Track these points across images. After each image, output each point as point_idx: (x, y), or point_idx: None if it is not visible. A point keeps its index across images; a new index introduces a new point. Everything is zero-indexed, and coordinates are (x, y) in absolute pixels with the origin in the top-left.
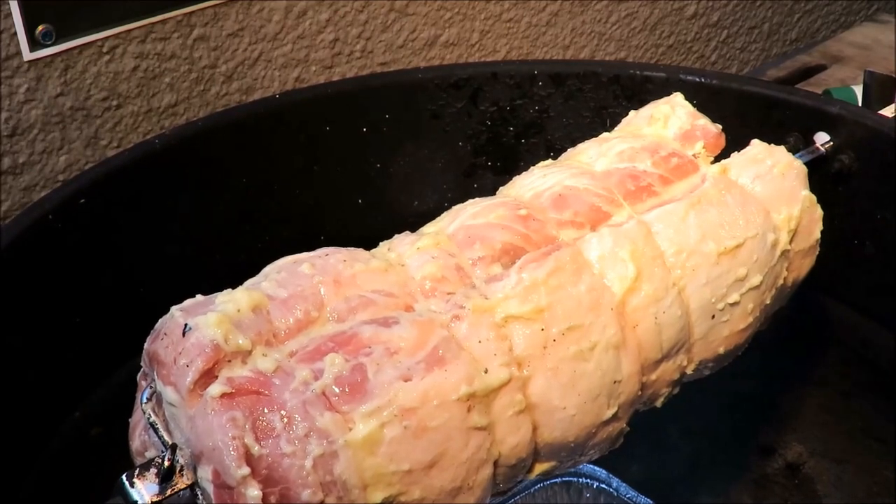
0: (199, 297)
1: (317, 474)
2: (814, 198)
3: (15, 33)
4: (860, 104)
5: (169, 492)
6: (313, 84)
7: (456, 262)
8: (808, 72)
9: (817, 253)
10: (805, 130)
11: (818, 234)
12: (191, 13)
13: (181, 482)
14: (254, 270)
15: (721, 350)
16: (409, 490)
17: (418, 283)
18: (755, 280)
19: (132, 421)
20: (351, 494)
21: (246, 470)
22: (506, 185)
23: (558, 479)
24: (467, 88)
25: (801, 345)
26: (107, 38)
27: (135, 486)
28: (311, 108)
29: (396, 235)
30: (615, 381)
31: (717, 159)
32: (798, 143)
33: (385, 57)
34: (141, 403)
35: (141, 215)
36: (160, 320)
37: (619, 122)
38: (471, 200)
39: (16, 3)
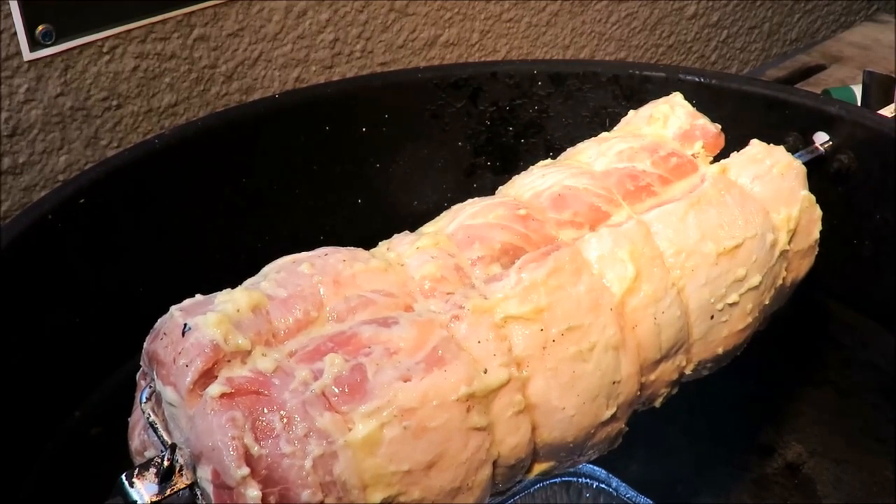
0: (198, 296)
1: (316, 474)
2: (813, 198)
3: (15, 33)
4: (859, 104)
5: (168, 491)
6: (313, 84)
7: (455, 261)
8: (808, 72)
9: (816, 253)
10: (804, 130)
11: (817, 235)
12: (191, 13)
13: (181, 482)
14: (254, 270)
15: (720, 350)
16: (409, 490)
17: (418, 282)
18: (754, 280)
19: (132, 420)
20: (350, 495)
21: (245, 470)
22: (505, 185)
23: (558, 479)
24: (467, 88)
25: (801, 345)
26: (107, 38)
27: (134, 485)
28: (311, 108)
29: (396, 235)
30: (614, 382)
31: (717, 159)
32: (797, 142)
33: (385, 57)
34: (140, 403)
35: (141, 215)
36: (160, 320)
37: (618, 121)
38: (470, 200)
39: (16, 3)
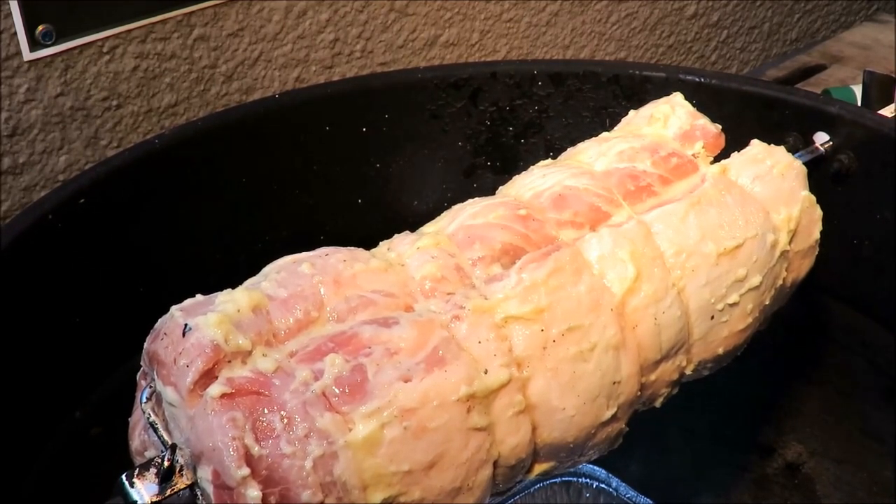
0: (198, 296)
1: (317, 475)
2: (813, 198)
3: (15, 33)
4: (859, 104)
5: (168, 492)
6: (313, 84)
7: (456, 262)
8: (808, 72)
9: (817, 253)
10: (804, 130)
11: (817, 235)
12: (191, 13)
13: (181, 482)
14: (254, 270)
15: (720, 350)
16: (409, 490)
17: (418, 283)
18: (755, 280)
19: (132, 420)
20: (351, 495)
21: (246, 470)
22: (505, 185)
23: (558, 479)
24: (467, 88)
25: (801, 345)
26: (107, 38)
27: (134, 485)
28: (311, 108)
29: (396, 235)
30: (614, 382)
31: (717, 159)
32: (797, 142)
33: (385, 57)
34: (141, 403)
35: (141, 215)
36: (160, 320)
37: (618, 121)
38: (470, 200)
39: (16, 3)
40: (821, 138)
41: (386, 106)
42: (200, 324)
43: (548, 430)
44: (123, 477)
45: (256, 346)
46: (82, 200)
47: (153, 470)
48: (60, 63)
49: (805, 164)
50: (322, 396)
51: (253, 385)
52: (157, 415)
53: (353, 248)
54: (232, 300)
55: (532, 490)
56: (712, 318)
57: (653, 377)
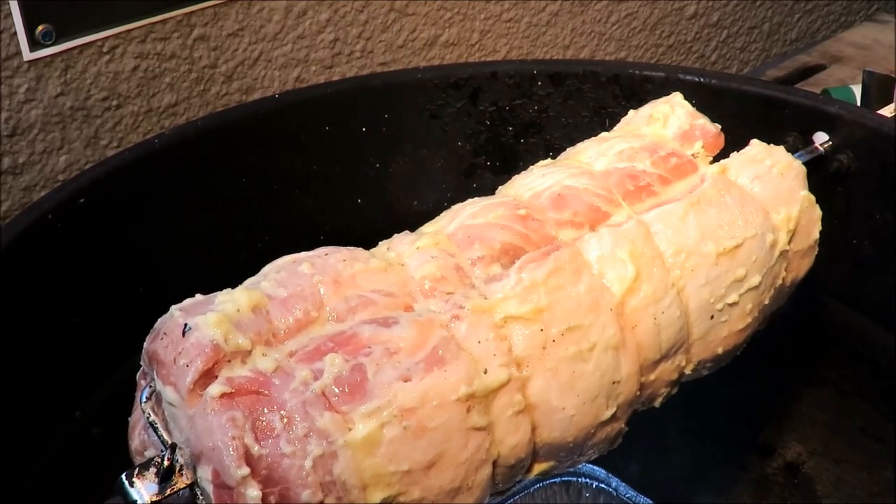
0: (198, 296)
1: (316, 474)
2: (813, 198)
3: (15, 33)
4: (859, 104)
5: (168, 491)
6: (313, 84)
7: (455, 261)
8: (808, 72)
9: (816, 253)
10: (804, 130)
11: (817, 235)
12: (191, 13)
13: (181, 482)
14: (254, 270)
15: (720, 350)
16: (409, 490)
17: (418, 282)
18: (754, 280)
19: (132, 420)
20: (350, 495)
21: (245, 470)
22: (505, 185)
23: (557, 479)
24: (467, 88)
25: (800, 345)
26: (107, 38)
27: (134, 485)
28: (311, 108)
29: (396, 235)
30: (614, 382)
31: (717, 159)
32: (797, 142)
33: (385, 57)
34: (140, 403)
35: (141, 215)
36: (160, 320)
37: (618, 121)
38: (470, 200)
39: (16, 3)
40: (820, 138)
41: (386, 106)
42: (200, 323)
43: (547, 430)
44: (123, 476)
45: (256, 345)
46: (82, 200)
47: (153, 469)
48: (60, 63)
49: (804, 163)
50: (322, 396)
51: (253, 385)
52: (156, 414)
53: (352, 247)
54: (232, 300)
55: (532, 490)
56: (712, 317)
57: (652, 377)
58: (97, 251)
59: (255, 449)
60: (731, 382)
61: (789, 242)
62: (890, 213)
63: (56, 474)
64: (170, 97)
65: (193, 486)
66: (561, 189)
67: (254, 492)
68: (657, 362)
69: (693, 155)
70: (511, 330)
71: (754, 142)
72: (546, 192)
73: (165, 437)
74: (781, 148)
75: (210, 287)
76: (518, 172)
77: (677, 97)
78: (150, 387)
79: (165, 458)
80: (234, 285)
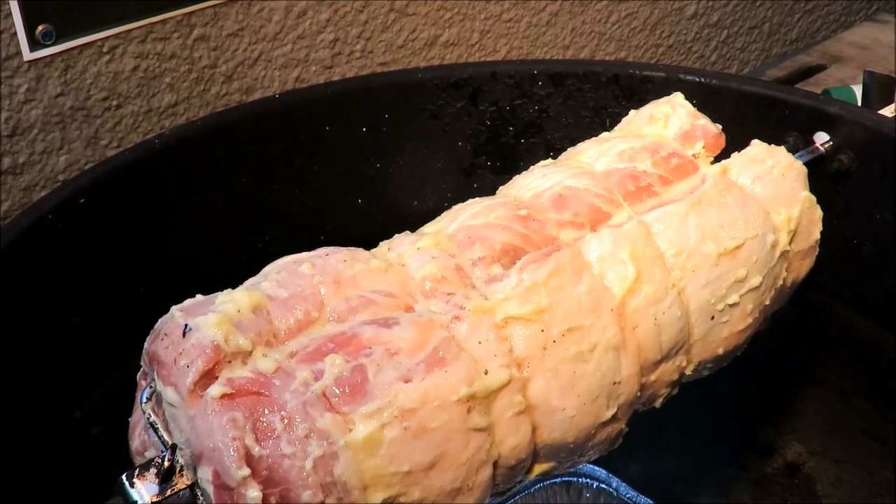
0: (199, 297)
1: (317, 475)
2: (813, 198)
3: (15, 33)
4: (860, 104)
5: (169, 492)
6: (313, 84)
7: (456, 262)
8: (808, 72)
9: (817, 253)
10: (804, 130)
11: (818, 235)
12: (191, 13)
13: (181, 482)
14: (254, 270)
15: (720, 351)
16: (409, 491)
17: (418, 283)
18: (755, 281)
19: (132, 421)
20: (351, 495)
21: (246, 471)
22: (506, 185)
23: (558, 479)
24: (467, 88)
25: (801, 345)
26: (107, 38)
27: (135, 486)
28: (311, 108)
29: (396, 235)
30: (615, 383)
31: (717, 159)
32: (797, 142)
33: (385, 57)
34: (141, 403)
35: (141, 215)
36: (160, 320)
37: (618, 121)
38: (471, 200)
39: (16, 3)
40: (821, 138)
41: (386, 106)
42: (201, 324)
43: (548, 431)
44: (123, 477)
45: (257, 346)
46: (82, 200)
47: (153, 470)
48: (60, 63)
49: (805, 164)
50: (322, 397)
51: (253, 385)
52: (157, 415)
53: (353, 248)
54: (232, 300)
55: (532, 490)
56: (712, 318)
57: (653, 377)
58: (97, 251)
59: (256, 450)
60: (731, 382)
61: (790, 243)
62: (890, 213)
63: (56, 474)
64: (170, 97)
65: (194, 486)
66: (562, 189)
67: (254, 492)
68: (658, 363)
69: (694, 155)
70: (512, 330)
71: (755, 142)
72: (547, 192)
73: (166, 437)
74: (782, 148)
75: (210, 287)
76: (518, 172)
77: (678, 97)
78: (151, 387)
79: (166, 459)
80: (234, 285)
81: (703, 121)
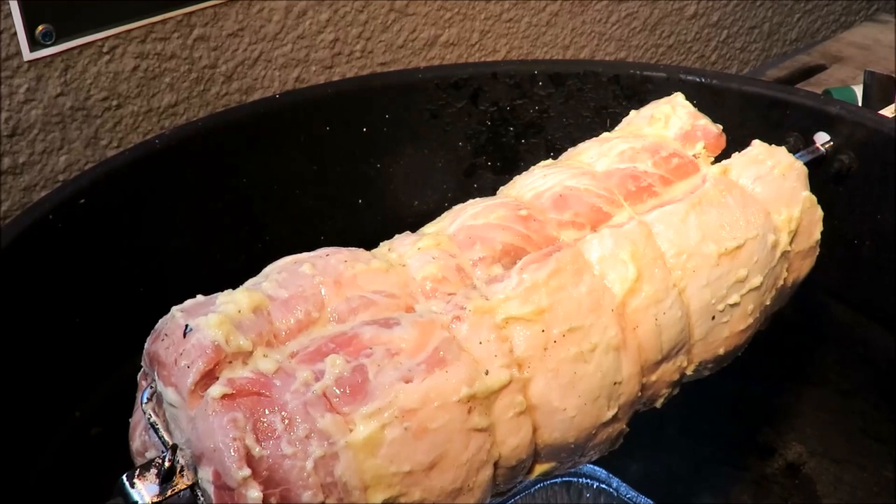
0: (199, 297)
1: (317, 475)
2: (814, 199)
3: (15, 33)
4: (860, 104)
5: (169, 492)
6: (313, 84)
7: (456, 262)
8: (808, 72)
9: (817, 254)
10: (805, 130)
11: (818, 235)
12: (191, 13)
13: (181, 483)
14: (254, 270)
15: (721, 351)
16: (410, 491)
17: (419, 283)
18: (755, 281)
19: (132, 421)
20: (351, 496)
21: (247, 471)
22: (506, 185)
23: (558, 480)
24: (467, 88)
25: (801, 345)
26: (107, 38)
27: (135, 486)
28: (311, 108)
29: (397, 235)
30: (615, 383)
31: (718, 159)
32: (798, 143)
33: (385, 57)
34: (141, 403)
35: (141, 215)
36: (161, 321)
37: (619, 121)
38: (471, 200)
39: (16, 3)
40: (821, 138)
41: (386, 106)
42: (201, 324)
43: (548, 431)
44: (124, 477)
45: (257, 346)
46: (82, 200)
47: (154, 470)
48: (60, 63)
49: (806, 164)
50: (323, 397)
51: (254, 386)
52: (157, 415)
53: (353, 248)
54: (233, 301)
55: (532, 490)
56: (713, 318)
57: (653, 378)
58: (97, 251)
59: (257, 450)
60: (731, 382)
61: (791, 243)
62: (890, 213)
63: (56, 474)
64: (170, 97)
65: (194, 487)
66: (562, 189)
67: (255, 493)
68: (658, 363)
69: (694, 155)
70: (512, 331)
71: (756, 142)
72: (547, 192)
73: (166, 438)
74: (783, 149)
75: (211, 288)
76: (519, 173)
77: (679, 97)
78: (151, 388)
79: (166, 459)
80: (234, 286)
81: (704, 121)
